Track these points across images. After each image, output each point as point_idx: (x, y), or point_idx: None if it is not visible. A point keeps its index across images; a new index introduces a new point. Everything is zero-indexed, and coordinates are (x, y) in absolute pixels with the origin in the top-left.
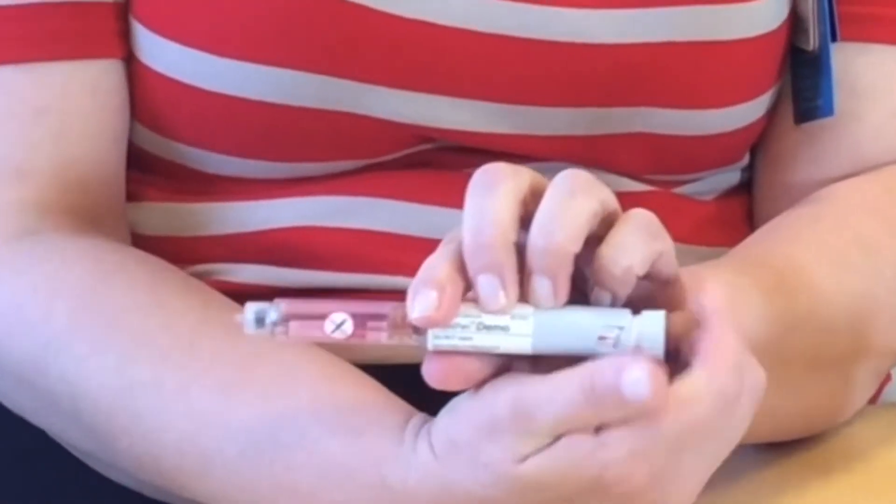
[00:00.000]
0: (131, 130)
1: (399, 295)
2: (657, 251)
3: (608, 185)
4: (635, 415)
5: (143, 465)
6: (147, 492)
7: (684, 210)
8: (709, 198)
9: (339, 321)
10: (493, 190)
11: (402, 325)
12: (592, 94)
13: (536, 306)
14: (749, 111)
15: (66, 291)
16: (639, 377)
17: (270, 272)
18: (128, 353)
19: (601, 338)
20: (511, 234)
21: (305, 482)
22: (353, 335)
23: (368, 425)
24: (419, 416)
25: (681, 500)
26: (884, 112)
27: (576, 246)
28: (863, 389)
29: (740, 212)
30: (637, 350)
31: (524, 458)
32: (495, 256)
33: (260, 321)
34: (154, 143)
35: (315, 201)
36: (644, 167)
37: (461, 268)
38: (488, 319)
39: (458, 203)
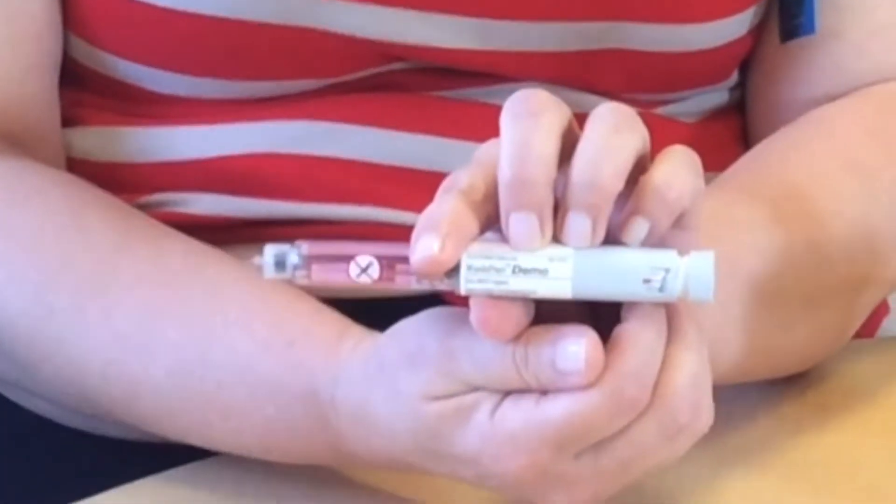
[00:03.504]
0: (72, 47)
1: (372, 227)
2: (700, 189)
3: (586, 106)
4: (556, 387)
5: (68, 392)
6: (74, 423)
7: (668, 131)
8: (693, 119)
9: (364, 264)
10: (537, 120)
11: None
12: (568, 6)
13: (573, 245)
14: (730, 27)
15: None
16: (575, 351)
17: (228, 202)
18: (47, 279)
19: (646, 280)
20: (553, 171)
21: (237, 399)
22: (380, 279)
23: (299, 337)
24: (359, 330)
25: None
26: (864, 29)
27: (621, 183)
28: (862, 317)
29: (728, 133)
30: (684, 295)
31: (433, 399)
32: (537, 194)
33: (280, 264)
34: (96, 59)
35: (274, 126)
36: (623, 86)
37: (473, 206)
38: (525, 262)
39: (425, 128)
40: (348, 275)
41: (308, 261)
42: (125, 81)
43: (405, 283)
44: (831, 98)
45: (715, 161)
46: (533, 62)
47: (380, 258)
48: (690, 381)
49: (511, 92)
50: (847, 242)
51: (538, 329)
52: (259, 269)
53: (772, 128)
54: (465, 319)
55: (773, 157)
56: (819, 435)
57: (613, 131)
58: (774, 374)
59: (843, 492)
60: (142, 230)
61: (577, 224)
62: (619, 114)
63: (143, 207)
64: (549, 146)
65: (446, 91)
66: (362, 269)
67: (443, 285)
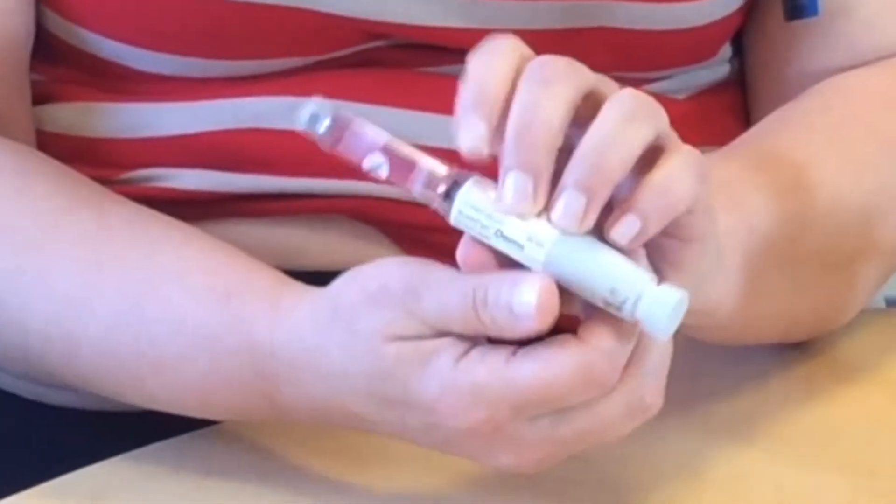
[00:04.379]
0: (51, 24)
1: (357, 201)
2: (701, 197)
3: None
4: (511, 331)
5: (15, 358)
6: (17, 390)
7: None
8: (682, 96)
9: (376, 163)
10: (550, 88)
11: (434, 187)
12: None
13: (561, 224)
14: (717, 5)
15: None
16: (529, 296)
17: (213, 177)
18: None
19: (611, 291)
20: (558, 141)
21: (170, 353)
22: (388, 179)
23: (235, 288)
24: (298, 285)
25: (513, 467)
26: (873, 4)
27: (624, 172)
28: (870, 289)
29: (721, 108)
30: (641, 324)
31: (394, 339)
32: (537, 158)
33: (313, 121)
34: (76, 37)
35: (259, 102)
36: (610, 64)
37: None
38: (508, 230)
39: (409, 104)
40: (361, 163)
41: (338, 129)
42: (107, 59)
43: (407, 190)
44: (842, 72)
45: (704, 136)
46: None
47: (392, 162)
48: (661, 362)
49: None
50: (863, 211)
51: (500, 273)
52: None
53: (779, 102)
54: (429, 266)
55: (793, 125)
56: (804, 407)
57: (629, 118)
58: (787, 339)
59: (827, 463)
60: (87, 195)
61: (571, 202)
62: (638, 101)
63: (127, 183)
64: (556, 116)
65: (429, 67)
66: (374, 167)
67: (437, 205)
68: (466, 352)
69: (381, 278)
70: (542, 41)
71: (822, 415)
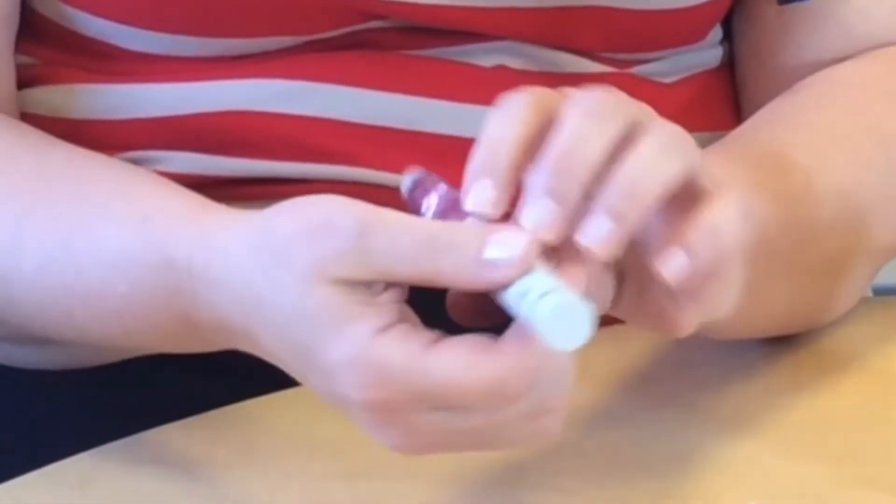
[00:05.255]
0: (38, 3)
1: (348, 186)
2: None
3: (562, 65)
4: (474, 279)
5: None
6: None
7: (643, 92)
8: (670, 80)
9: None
10: (598, 123)
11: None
12: None
13: (586, 244)
14: None
15: None
16: (502, 252)
17: (202, 160)
18: None
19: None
20: (592, 177)
21: (94, 280)
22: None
23: (154, 211)
24: (226, 210)
25: (399, 448)
26: None
27: (660, 204)
28: (864, 284)
29: (707, 95)
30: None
31: (329, 280)
32: (570, 189)
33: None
34: (64, 15)
35: (250, 84)
36: (600, 44)
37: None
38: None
39: (401, 88)
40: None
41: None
42: (94, 38)
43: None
44: (836, 60)
45: (692, 121)
46: (511, 18)
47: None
48: (564, 371)
49: (489, 51)
50: (863, 212)
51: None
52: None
53: (771, 88)
54: (381, 208)
55: (793, 119)
56: (791, 396)
57: (662, 150)
58: (778, 332)
59: (816, 454)
60: (30, 141)
61: (599, 226)
62: (670, 134)
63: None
64: (599, 152)
65: (423, 50)
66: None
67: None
68: (390, 326)
69: (328, 212)
70: (534, 19)
71: (810, 404)
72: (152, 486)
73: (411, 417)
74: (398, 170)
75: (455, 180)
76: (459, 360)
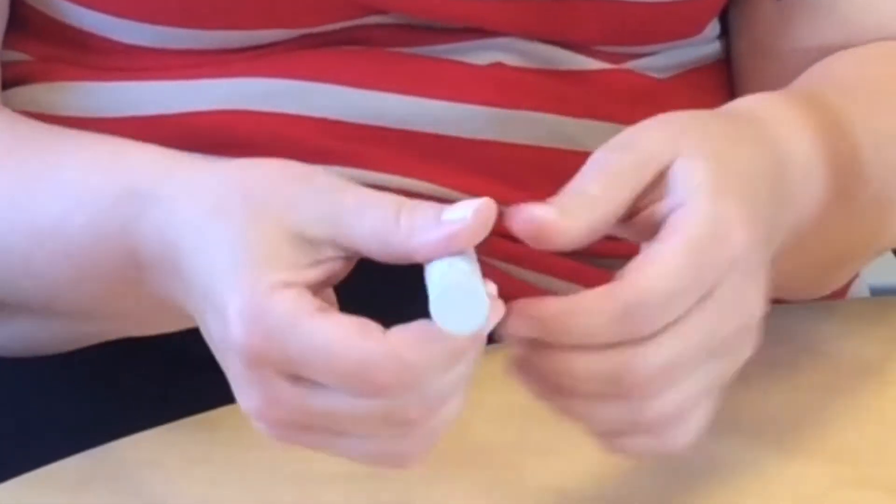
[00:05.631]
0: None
1: None
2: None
3: (562, 61)
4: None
5: None
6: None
7: (639, 87)
8: (669, 73)
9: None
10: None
11: None
12: None
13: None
14: None
15: None
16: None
17: None
18: None
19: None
20: None
21: (52, 216)
22: None
23: (127, 146)
24: (201, 158)
25: (252, 413)
26: None
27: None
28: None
29: (704, 90)
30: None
31: (286, 221)
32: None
33: None
34: (54, 7)
35: (243, 83)
36: (598, 37)
37: None
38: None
39: (397, 87)
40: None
41: None
42: (86, 30)
43: None
44: (835, 50)
45: None
46: (509, 12)
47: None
48: (447, 391)
49: (485, 48)
50: None
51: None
52: None
53: (770, 81)
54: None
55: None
56: (787, 395)
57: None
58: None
59: (811, 452)
60: (10, 116)
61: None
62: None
63: None
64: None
65: (419, 47)
66: None
67: None
68: (298, 286)
69: (310, 168)
70: (532, 13)
71: (805, 403)
72: (149, 487)
73: (274, 381)
74: (393, 170)
75: (449, 180)
76: (339, 331)
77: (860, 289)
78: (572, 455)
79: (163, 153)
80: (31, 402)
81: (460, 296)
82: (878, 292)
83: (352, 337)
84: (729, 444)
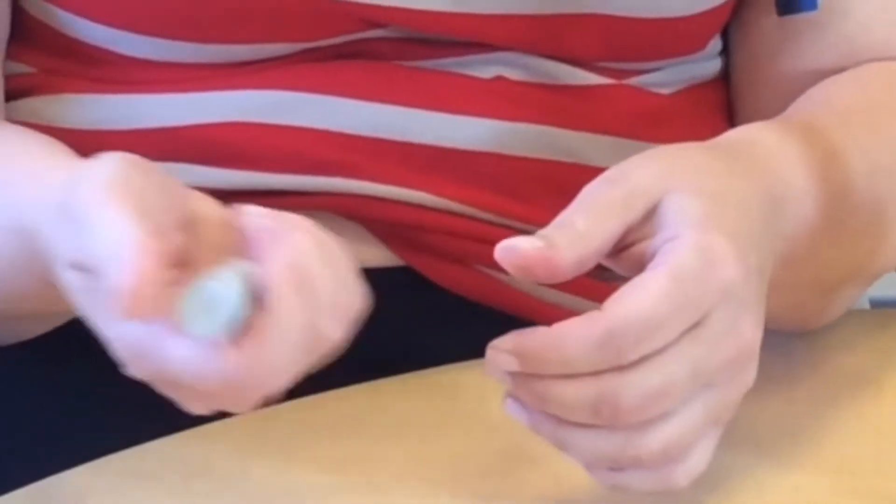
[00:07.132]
0: (33, 8)
1: (345, 199)
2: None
3: (563, 76)
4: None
5: None
6: None
7: (641, 103)
8: (667, 91)
9: None
10: None
11: None
12: None
13: None
14: None
15: None
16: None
17: (198, 172)
18: None
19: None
20: None
21: None
22: None
23: (18, 175)
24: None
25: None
26: (871, 6)
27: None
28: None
29: (706, 106)
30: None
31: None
32: None
33: None
34: (58, 20)
35: (246, 95)
36: (599, 53)
37: None
38: None
39: (398, 99)
40: None
41: None
42: (90, 43)
43: None
44: (835, 72)
45: (687, 133)
46: (508, 26)
47: None
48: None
49: (487, 62)
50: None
51: None
52: None
53: (768, 99)
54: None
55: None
56: (786, 406)
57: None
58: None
59: (809, 464)
60: None
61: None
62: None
63: None
64: None
65: (421, 61)
66: None
67: None
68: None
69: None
70: (533, 27)
71: (805, 414)
72: (149, 500)
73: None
74: (395, 182)
75: (450, 193)
76: (199, 345)
77: (860, 301)
78: (570, 464)
79: (41, 180)
80: (29, 413)
81: (204, 299)
82: (877, 304)
83: (195, 352)
84: (727, 456)
